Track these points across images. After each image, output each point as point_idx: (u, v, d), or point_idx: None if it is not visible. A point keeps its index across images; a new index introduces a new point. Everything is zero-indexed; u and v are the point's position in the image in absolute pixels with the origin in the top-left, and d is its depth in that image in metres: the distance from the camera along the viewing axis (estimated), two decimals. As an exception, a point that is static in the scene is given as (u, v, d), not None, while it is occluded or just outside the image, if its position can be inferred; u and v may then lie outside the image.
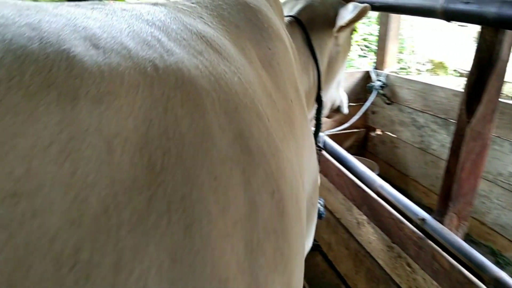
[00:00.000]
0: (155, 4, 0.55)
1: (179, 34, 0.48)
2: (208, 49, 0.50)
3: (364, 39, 5.83)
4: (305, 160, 0.74)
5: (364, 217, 1.55)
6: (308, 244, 0.92)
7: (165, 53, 0.42)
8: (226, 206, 0.40)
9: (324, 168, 1.87)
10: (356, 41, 5.60)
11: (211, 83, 0.45)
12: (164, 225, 0.33)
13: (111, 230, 0.29)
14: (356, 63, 5.35)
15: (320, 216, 1.42)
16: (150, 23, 0.46)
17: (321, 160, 1.84)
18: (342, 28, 1.03)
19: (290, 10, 1.16)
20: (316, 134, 1.19)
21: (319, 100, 1.14)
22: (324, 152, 1.87)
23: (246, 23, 0.66)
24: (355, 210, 1.63)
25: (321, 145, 1.84)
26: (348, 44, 1.26)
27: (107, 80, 0.32)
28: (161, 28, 0.47)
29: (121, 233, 0.29)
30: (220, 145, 0.42)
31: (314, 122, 1.19)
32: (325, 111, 1.41)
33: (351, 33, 1.30)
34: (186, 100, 0.40)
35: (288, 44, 0.77)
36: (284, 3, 1.24)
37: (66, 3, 0.44)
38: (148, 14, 0.49)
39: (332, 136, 2.67)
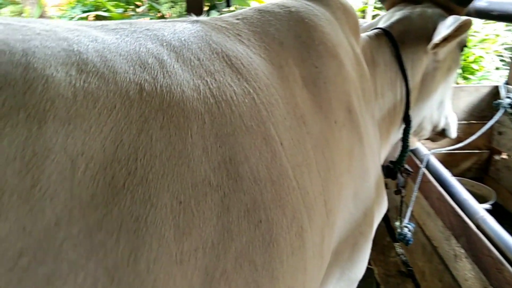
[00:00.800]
0: (194, 21, 0.57)
1: (195, 54, 0.50)
2: (226, 69, 0.51)
3: (509, 49, 5.11)
4: (348, 187, 0.69)
5: (462, 250, 1.39)
6: (357, 274, 0.86)
7: (162, 75, 0.44)
8: (187, 232, 0.39)
9: (426, 189, 1.73)
10: (496, 51, 4.95)
11: (207, 105, 0.45)
12: (111, 244, 0.34)
13: (56, 242, 0.31)
14: (493, 76, 4.73)
15: (407, 242, 1.32)
16: (165, 44, 0.48)
17: (423, 181, 1.71)
18: (437, 45, 0.94)
19: (386, 21, 1.10)
20: (402, 156, 1.11)
21: (406, 120, 1.06)
22: (427, 173, 1.73)
23: (293, 40, 0.64)
24: (453, 240, 1.47)
25: (423, 164, 1.71)
26: (453, 61, 1.14)
27: (78, 103, 0.35)
28: (175, 49, 0.48)
29: (64, 246, 0.32)
30: (198, 169, 0.41)
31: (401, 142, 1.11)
32: (424, 132, 1.30)
33: (461, 49, 1.17)
34: (167, 122, 0.41)
35: (347, 61, 0.73)
36: (385, 14, 1.19)
37: (91, 23, 0.49)
38: (172, 33, 0.51)
39: (447, 156, 2.43)
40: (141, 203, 0.37)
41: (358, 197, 0.74)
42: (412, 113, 1.08)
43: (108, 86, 0.39)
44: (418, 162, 1.79)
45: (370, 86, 0.84)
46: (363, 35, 1.04)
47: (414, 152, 1.85)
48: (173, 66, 0.46)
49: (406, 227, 1.30)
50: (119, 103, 0.39)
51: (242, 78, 0.52)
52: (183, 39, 0.52)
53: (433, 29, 1.01)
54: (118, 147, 0.37)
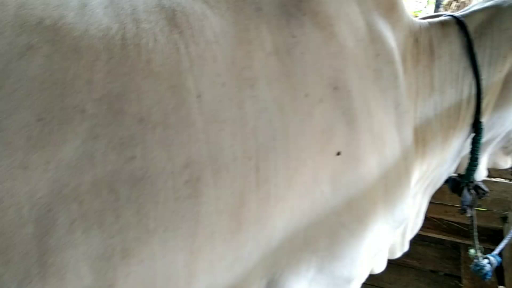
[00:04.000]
0: None
1: (133, 4, 0.53)
2: (161, 21, 0.54)
3: None
4: (318, 167, 0.65)
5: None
6: (342, 271, 0.74)
7: (75, 14, 0.49)
8: (39, 145, 0.44)
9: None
10: None
11: (110, 45, 0.49)
12: None
13: None
14: None
15: (483, 276, 1.08)
16: None
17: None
18: None
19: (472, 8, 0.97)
20: (469, 170, 0.94)
21: (476, 127, 0.90)
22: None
23: (275, 8, 0.64)
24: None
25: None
26: None
27: None
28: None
29: None
30: (72, 96, 0.46)
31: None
32: None
33: None
34: (53, 52, 0.46)
35: (346, 35, 0.69)
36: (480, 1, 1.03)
37: None
38: None
39: None
40: None
41: (339, 183, 0.68)
42: (487, 120, 0.92)
43: (6, 16, 0.45)
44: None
45: (396, 71, 0.75)
46: (426, 21, 0.92)
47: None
48: (93, 10, 0.51)
49: (487, 258, 1.07)
50: (9, 30, 0.45)
51: (177, 31, 0.55)
52: None
53: None
54: None
